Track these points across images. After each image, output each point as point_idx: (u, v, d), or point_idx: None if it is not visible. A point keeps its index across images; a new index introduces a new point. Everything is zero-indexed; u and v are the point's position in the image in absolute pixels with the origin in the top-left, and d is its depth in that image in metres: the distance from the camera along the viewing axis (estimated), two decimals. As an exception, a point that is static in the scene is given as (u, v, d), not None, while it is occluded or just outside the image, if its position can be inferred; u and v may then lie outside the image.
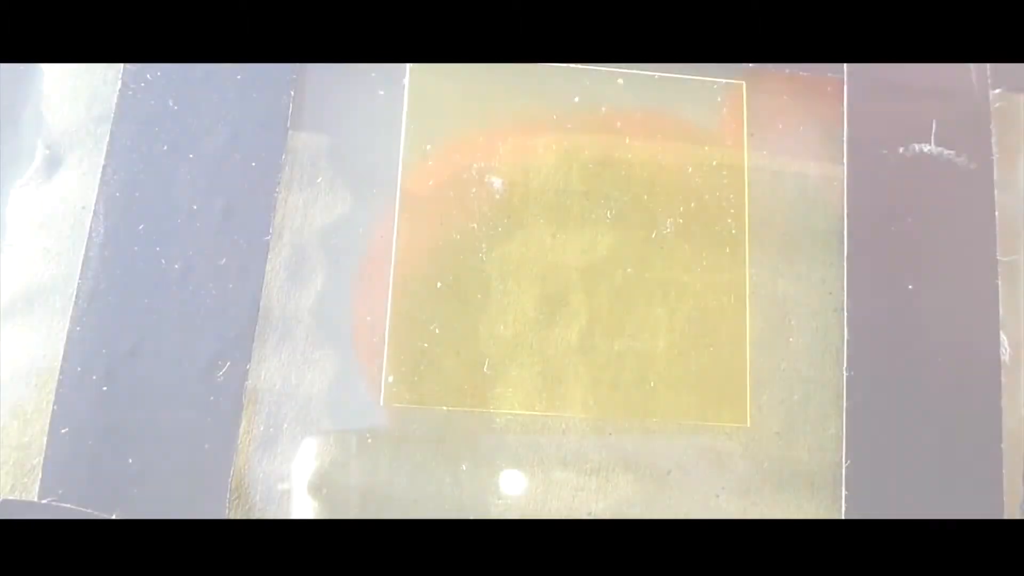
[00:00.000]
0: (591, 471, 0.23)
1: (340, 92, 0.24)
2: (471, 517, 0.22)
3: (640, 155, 0.24)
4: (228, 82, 0.23)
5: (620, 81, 0.25)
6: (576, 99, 0.24)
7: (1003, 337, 0.24)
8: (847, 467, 0.23)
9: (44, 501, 0.21)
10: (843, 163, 0.24)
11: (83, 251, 0.22)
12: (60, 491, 0.21)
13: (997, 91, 0.25)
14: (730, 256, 0.24)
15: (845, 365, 0.23)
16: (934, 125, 0.24)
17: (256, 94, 0.23)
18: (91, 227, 0.22)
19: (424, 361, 0.23)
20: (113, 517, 0.21)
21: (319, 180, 0.24)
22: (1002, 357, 0.24)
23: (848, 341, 0.23)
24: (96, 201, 0.22)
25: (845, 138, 0.25)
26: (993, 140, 0.25)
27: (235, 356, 0.22)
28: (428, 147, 0.24)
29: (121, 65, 0.23)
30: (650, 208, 0.24)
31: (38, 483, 0.21)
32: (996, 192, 0.24)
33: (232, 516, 0.22)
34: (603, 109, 0.24)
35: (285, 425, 0.23)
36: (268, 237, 0.23)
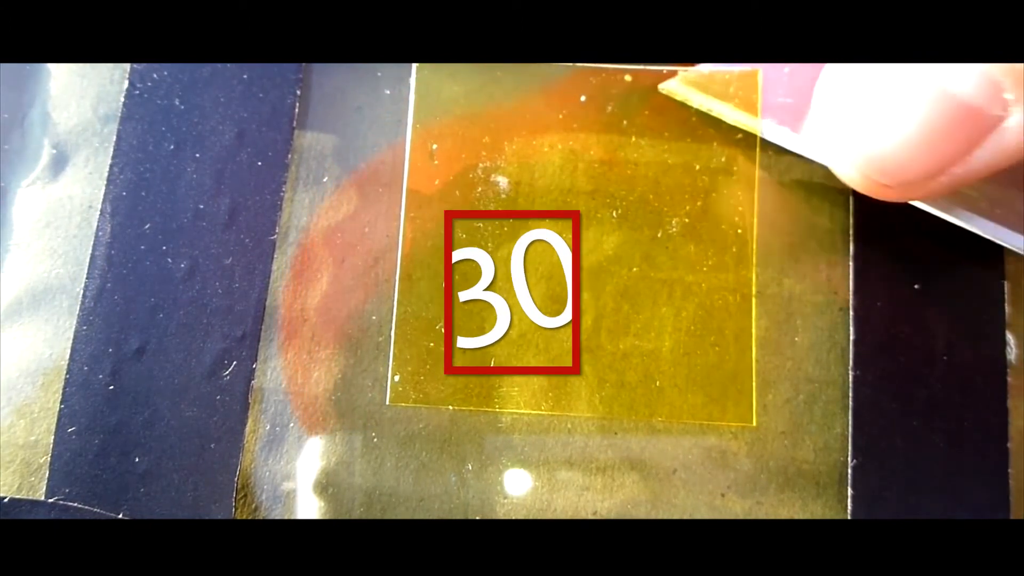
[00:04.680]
0: (597, 470, 0.23)
1: (346, 91, 0.24)
2: (477, 517, 0.22)
3: (646, 154, 0.24)
4: (234, 81, 0.23)
5: (627, 78, 0.25)
6: (582, 98, 0.24)
7: (1010, 337, 0.24)
8: (853, 467, 0.23)
9: (51, 500, 0.21)
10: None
11: (89, 250, 0.22)
12: (67, 490, 0.21)
13: None
14: (736, 255, 0.24)
15: (851, 364, 0.23)
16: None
17: (262, 94, 0.23)
18: (97, 226, 0.22)
19: (430, 361, 0.23)
20: (119, 516, 0.21)
21: (325, 179, 0.24)
22: (1008, 357, 0.24)
23: (854, 340, 0.23)
24: (103, 200, 0.22)
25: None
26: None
27: (241, 355, 0.22)
28: (434, 147, 0.24)
29: (128, 64, 0.23)
30: (656, 207, 0.24)
31: (45, 482, 0.21)
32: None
33: (238, 515, 0.22)
34: (609, 108, 0.24)
35: (291, 425, 0.23)
36: (274, 236, 0.23)
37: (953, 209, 0.22)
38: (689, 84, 0.24)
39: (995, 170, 0.18)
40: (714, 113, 0.24)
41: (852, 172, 0.20)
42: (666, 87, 0.24)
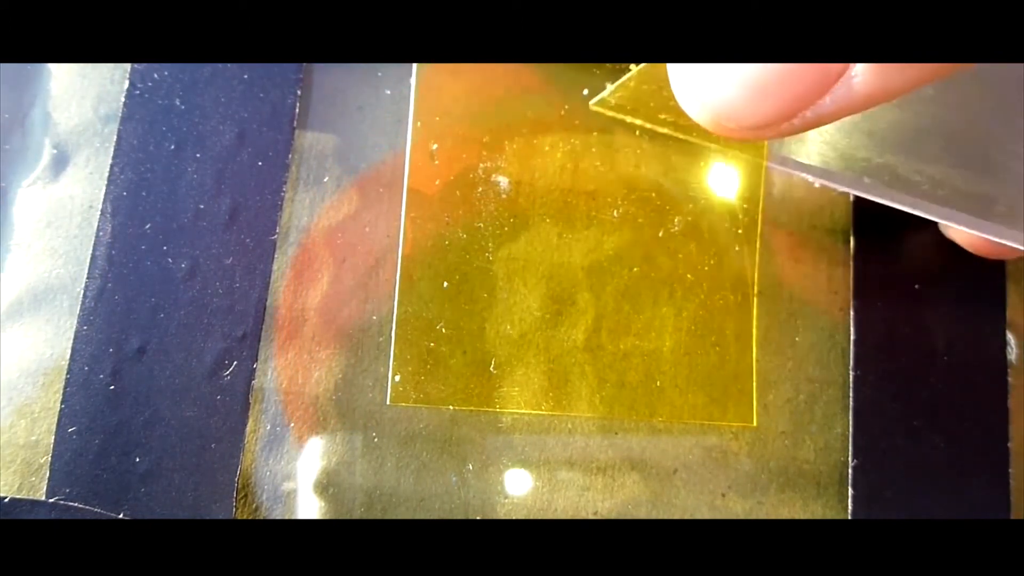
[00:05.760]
0: (597, 470, 0.23)
1: (346, 91, 0.24)
2: (477, 517, 0.22)
3: (648, 153, 0.24)
4: (235, 81, 0.23)
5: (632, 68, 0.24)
6: (585, 91, 0.24)
7: (1010, 337, 0.24)
8: (853, 467, 0.23)
9: (51, 500, 0.21)
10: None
11: (90, 250, 0.22)
12: (67, 490, 0.21)
13: None
14: (737, 255, 0.24)
15: (851, 365, 0.23)
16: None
17: (263, 93, 0.23)
18: (98, 226, 0.22)
19: (430, 360, 0.23)
20: (120, 516, 0.21)
21: (326, 179, 0.24)
22: (1009, 357, 0.24)
23: (854, 341, 0.23)
24: (103, 200, 0.22)
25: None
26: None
27: (242, 355, 0.22)
28: (434, 146, 0.24)
29: (128, 64, 0.23)
30: (657, 207, 0.24)
31: (45, 482, 0.21)
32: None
33: (238, 515, 0.22)
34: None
35: (291, 424, 0.23)
36: (275, 236, 0.23)
37: (895, 195, 0.22)
38: (619, 104, 0.24)
39: (846, 115, 0.19)
40: (649, 126, 0.24)
41: (705, 118, 0.21)
42: (597, 104, 0.24)
